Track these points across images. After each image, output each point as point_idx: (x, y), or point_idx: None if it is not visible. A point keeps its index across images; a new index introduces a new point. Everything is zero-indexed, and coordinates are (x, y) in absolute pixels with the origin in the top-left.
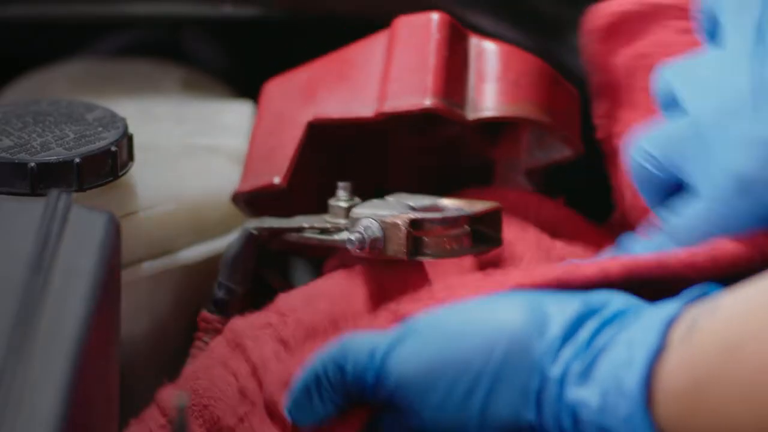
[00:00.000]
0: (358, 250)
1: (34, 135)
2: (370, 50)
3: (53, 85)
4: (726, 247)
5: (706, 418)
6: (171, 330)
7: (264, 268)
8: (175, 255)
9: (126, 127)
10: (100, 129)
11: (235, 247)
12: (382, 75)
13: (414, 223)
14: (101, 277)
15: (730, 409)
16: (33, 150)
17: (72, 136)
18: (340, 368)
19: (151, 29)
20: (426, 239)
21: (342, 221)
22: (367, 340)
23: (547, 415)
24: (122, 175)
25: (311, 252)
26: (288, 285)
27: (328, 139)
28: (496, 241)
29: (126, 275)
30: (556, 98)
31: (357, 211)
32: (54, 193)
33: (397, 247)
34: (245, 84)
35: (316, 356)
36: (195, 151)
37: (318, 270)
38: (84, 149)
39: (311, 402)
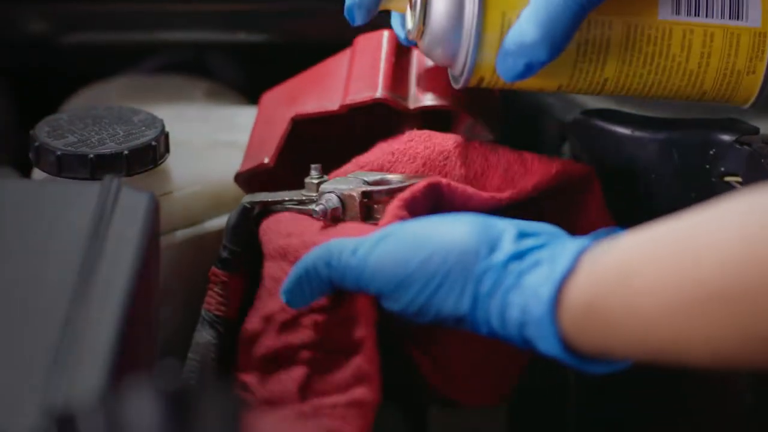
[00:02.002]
0: (322, 218)
1: (92, 133)
2: (337, 62)
3: (107, 95)
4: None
5: (599, 329)
6: (197, 283)
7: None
8: (201, 225)
9: (163, 127)
10: (143, 128)
11: (234, 217)
12: (346, 78)
13: (366, 194)
14: (144, 242)
15: (616, 324)
16: (92, 144)
17: (122, 133)
18: (327, 263)
19: (182, 52)
20: (375, 206)
21: (313, 195)
22: (350, 241)
23: (480, 311)
24: (160, 163)
25: None
26: None
27: (310, 135)
28: None
29: (163, 241)
30: (479, 94)
31: (323, 186)
32: (108, 177)
33: (353, 214)
34: (256, 94)
35: (307, 255)
36: (217, 146)
37: None
38: (131, 144)
39: (302, 290)
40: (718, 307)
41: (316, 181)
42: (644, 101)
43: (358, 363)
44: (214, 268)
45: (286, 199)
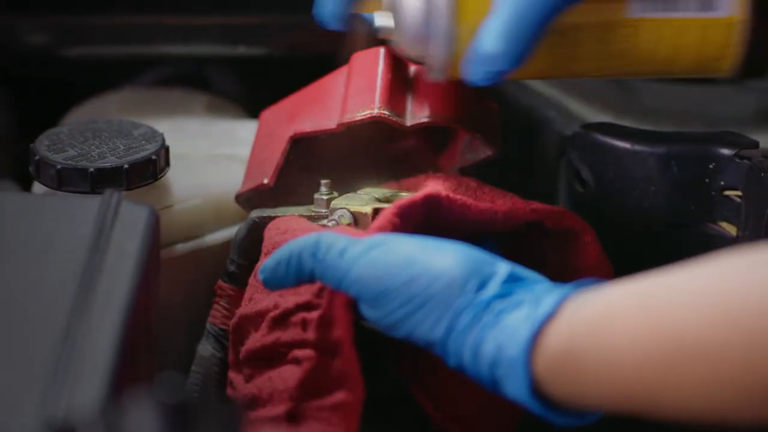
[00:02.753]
0: None
1: (93, 147)
2: (334, 80)
3: (107, 108)
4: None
5: (573, 377)
6: (197, 297)
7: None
8: (201, 239)
9: (164, 141)
10: (143, 142)
11: (243, 231)
12: (343, 96)
13: (376, 211)
14: (144, 256)
15: (591, 372)
16: (92, 158)
17: (122, 147)
18: (313, 254)
19: (183, 65)
20: None
21: (323, 210)
22: (341, 239)
23: (452, 342)
24: (160, 177)
25: None
26: None
27: (309, 153)
28: None
29: (163, 254)
30: (478, 110)
31: (335, 203)
32: (108, 191)
33: (364, 230)
34: (256, 107)
35: (298, 239)
36: (217, 159)
37: None
38: (131, 158)
39: (281, 273)
40: (694, 365)
41: (326, 197)
42: (643, 115)
43: (338, 365)
44: (220, 282)
45: (295, 215)
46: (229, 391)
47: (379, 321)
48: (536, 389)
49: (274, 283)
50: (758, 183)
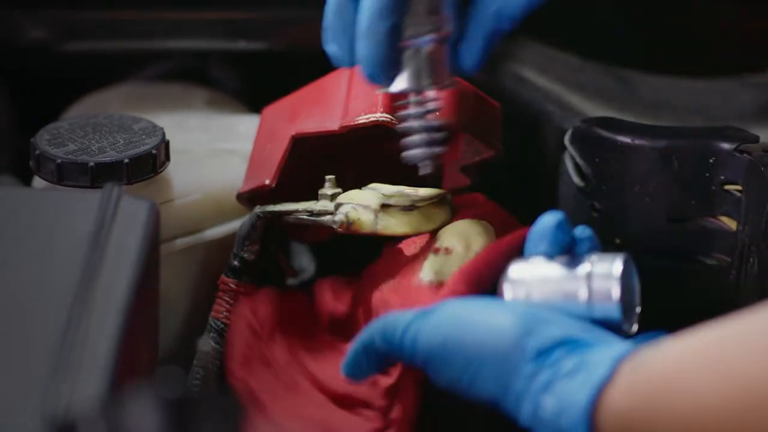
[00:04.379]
0: (340, 230)
1: (93, 141)
2: (337, 80)
3: (108, 103)
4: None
5: None
6: (198, 292)
7: (270, 243)
8: (201, 233)
9: (164, 135)
10: (143, 137)
11: (247, 226)
12: (345, 98)
13: (384, 207)
14: (145, 250)
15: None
16: (92, 153)
17: (122, 142)
18: (383, 338)
19: (183, 60)
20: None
21: (328, 206)
22: (405, 315)
23: (512, 404)
24: (161, 172)
25: (308, 236)
26: (286, 257)
27: (310, 152)
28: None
29: (164, 249)
30: (479, 111)
31: (340, 198)
32: (108, 185)
33: (369, 227)
34: (256, 102)
35: (365, 330)
36: (217, 154)
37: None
38: (131, 152)
39: (362, 364)
40: (765, 420)
41: (330, 193)
42: (644, 109)
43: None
44: (223, 277)
45: (300, 209)
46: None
47: (449, 386)
48: None
49: (357, 375)
50: (759, 177)
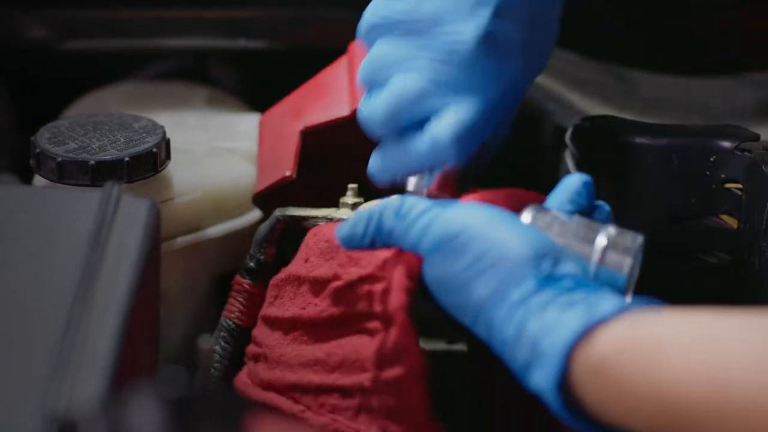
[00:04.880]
0: None
1: (93, 139)
2: (336, 71)
3: (108, 101)
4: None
5: (611, 387)
6: (198, 289)
7: (286, 246)
8: (201, 232)
9: (164, 134)
10: (144, 135)
11: (266, 229)
12: (349, 84)
13: None
14: (145, 249)
15: (627, 392)
16: (93, 151)
17: (122, 140)
18: (396, 213)
19: (183, 59)
20: None
21: (349, 215)
22: (424, 201)
23: (502, 313)
24: (161, 170)
25: None
26: None
27: (319, 150)
28: None
29: (164, 247)
30: None
31: (361, 209)
32: (109, 184)
33: None
34: (256, 100)
35: (380, 203)
36: (217, 152)
37: None
38: (132, 150)
39: (357, 231)
40: (735, 414)
41: (351, 202)
42: (644, 108)
43: (394, 335)
44: (238, 277)
45: (320, 216)
46: (256, 349)
47: (442, 282)
48: (564, 386)
49: (350, 242)
50: (759, 176)
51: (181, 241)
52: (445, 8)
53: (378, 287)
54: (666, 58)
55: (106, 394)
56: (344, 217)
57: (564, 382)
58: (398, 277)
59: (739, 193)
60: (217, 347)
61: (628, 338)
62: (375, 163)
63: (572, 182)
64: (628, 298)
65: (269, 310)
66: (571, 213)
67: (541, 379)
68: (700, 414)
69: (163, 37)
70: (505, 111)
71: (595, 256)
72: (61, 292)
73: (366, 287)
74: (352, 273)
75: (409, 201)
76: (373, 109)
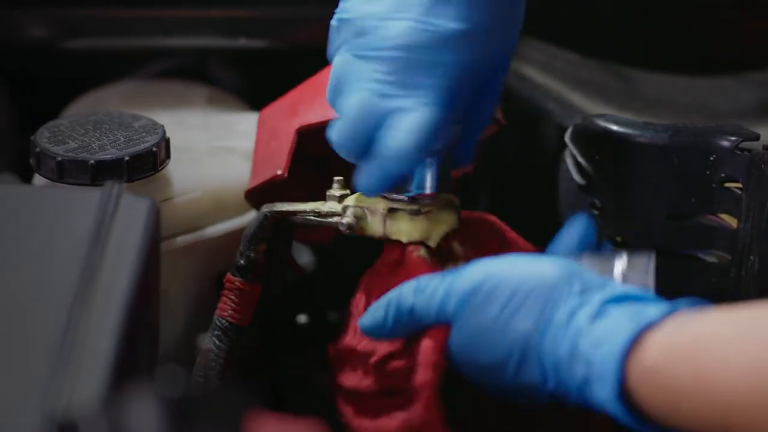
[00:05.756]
0: (347, 231)
1: (93, 139)
2: None
3: (108, 101)
4: None
5: (665, 393)
6: (197, 289)
7: (276, 243)
8: (201, 231)
9: (164, 133)
10: (144, 134)
11: (254, 225)
12: None
13: (390, 210)
14: (145, 248)
15: (685, 393)
16: (92, 150)
17: (122, 139)
18: (415, 290)
19: (183, 58)
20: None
21: (336, 208)
22: (436, 275)
23: (550, 339)
24: (161, 169)
25: (313, 236)
26: (292, 256)
27: (314, 149)
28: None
29: (164, 246)
30: None
31: (348, 201)
32: (109, 183)
33: (377, 229)
34: (256, 100)
35: (394, 289)
36: (217, 152)
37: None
38: (132, 150)
39: (378, 318)
40: None
41: (338, 194)
42: (644, 107)
43: (419, 411)
44: (229, 275)
45: (307, 210)
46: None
47: (476, 337)
48: (624, 395)
49: (373, 330)
50: (759, 175)
51: (181, 240)
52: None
53: (402, 363)
54: (666, 57)
55: (105, 393)
56: (332, 209)
57: (623, 391)
58: (425, 352)
59: (739, 192)
60: (212, 346)
61: (676, 342)
62: (359, 182)
63: (580, 224)
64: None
65: (337, 376)
66: (581, 252)
67: (602, 393)
68: (749, 408)
69: (163, 36)
70: (473, 100)
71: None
72: (61, 292)
73: (394, 363)
74: (383, 348)
75: (425, 277)
76: (337, 135)
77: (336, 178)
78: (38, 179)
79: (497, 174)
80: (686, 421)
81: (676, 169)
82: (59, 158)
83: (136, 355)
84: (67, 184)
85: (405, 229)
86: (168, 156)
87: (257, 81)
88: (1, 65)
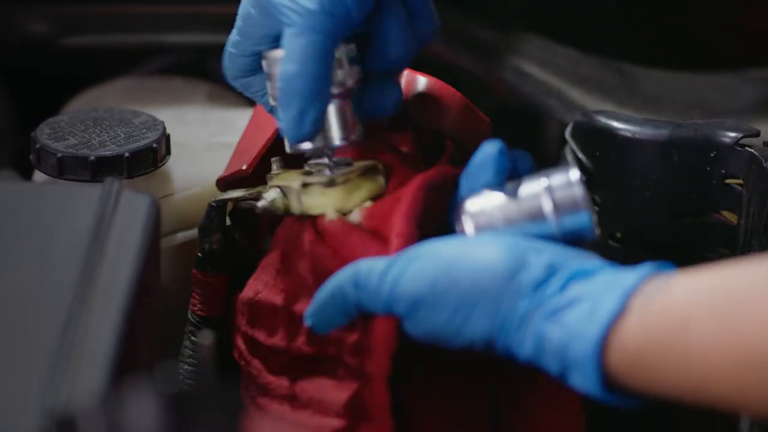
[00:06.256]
0: (263, 213)
1: (93, 135)
2: None
3: (108, 97)
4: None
5: (648, 375)
6: None
7: (236, 232)
8: None
9: (164, 129)
10: (144, 130)
11: (203, 218)
12: None
13: (305, 185)
14: (145, 244)
15: (670, 372)
16: (93, 146)
17: (123, 136)
18: (355, 284)
19: (183, 54)
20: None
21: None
22: (379, 262)
23: (512, 340)
24: (161, 166)
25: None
26: (255, 244)
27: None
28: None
29: (164, 243)
30: (468, 122)
31: (270, 181)
32: (109, 180)
33: (295, 206)
34: None
35: (332, 278)
36: (217, 148)
37: None
38: (132, 146)
39: (328, 314)
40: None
41: (276, 173)
42: (644, 103)
43: (369, 397)
44: (194, 270)
45: (248, 195)
46: (239, 360)
47: (435, 334)
48: (609, 384)
49: (323, 326)
50: (759, 171)
51: (181, 236)
52: None
53: (350, 338)
54: (666, 53)
55: (105, 389)
56: (262, 192)
57: (605, 378)
58: (380, 338)
59: (740, 188)
60: (187, 342)
61: (648, 327)
62: (280, 131)
63: (490, 152)
64: (597, 231)
65: (247, 329)
66: (501, 184)
67: (584, 383)
68: (744, 377)
69: (162, 32)
70: (375, 26)
71: (550, 215)
72: (61, 288)
73: (344, 335)
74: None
75: (362, 267)
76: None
77: (273, 159)
78: (38, 176)
79: None
80: (669, 394)
81: (677, 165)
82: (59, 154)
83: (135, 352)
84: (68, 180)
85: (319, 202)
86: (168, 152)
87: None
88: (0, 62)
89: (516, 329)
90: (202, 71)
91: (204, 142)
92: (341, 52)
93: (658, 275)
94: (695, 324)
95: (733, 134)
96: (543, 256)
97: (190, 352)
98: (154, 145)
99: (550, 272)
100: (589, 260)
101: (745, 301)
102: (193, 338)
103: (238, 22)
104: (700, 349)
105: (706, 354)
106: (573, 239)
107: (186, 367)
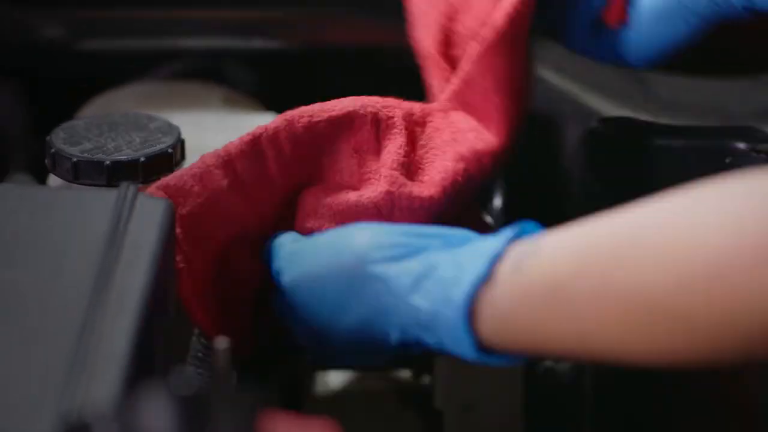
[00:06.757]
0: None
1: (109, 140)
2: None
3: (124, 101)
4: None
5: (524, 336)
6: None
7: None
8: None
9: (179, 134)
10: (159, 135)
11: None
12: None
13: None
14: (161, 249)
15: (547, 333)
16: (108, 151)
17: (138, 140)
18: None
19: (199, 59)
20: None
21: None
22: (288, 236)
23: (382, 320)
24: (176, 170)
25: None
26: None
27: None
28: None
29: None
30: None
31: None
32: (124, 184)
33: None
34: (272, 101)
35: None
36: None
37: None
38: (147, 151)
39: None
40: (657, 320)
41: None
42: (660, 109)
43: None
44: None
45: None
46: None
47: (318, 327)
48: (482, 345)
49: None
50: None
51: None
52: None
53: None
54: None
55: (120, 394)
56: None
57: (480, 342)
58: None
59: None
60: (197, 344)
61: (520, 291)
62: None
63: None
64: None
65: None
66: None
67: (458, 348)
68: (622, 332)
69: (178, 37)
70: None
71: None
72: (77, 293)
73: None
74: None
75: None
76: None
77: None
78: (53, 180)
79: (513, 177)
80: (549, 351)
81: (693, 171)
82: (75, 159)
83: (151, 356)
84: (83, 184)
85: None
86: (183, 157)
87: (274, 82)
88: (16, 66)
89: (385, 307)
90: (218, 76)
91: (220, 146)
92: None
93: (524, 237)
94: (566, 280)
95: (748, 140)
96: (396, 232)
97: (201, 355)
98: (170, 150)
99: (406, 246)
100: (456, 232)
101: (610, 252)
102: (203, 341)
103: None
104: (574, 306)
105: (580, 310)
106: None
107: (196, 369)
